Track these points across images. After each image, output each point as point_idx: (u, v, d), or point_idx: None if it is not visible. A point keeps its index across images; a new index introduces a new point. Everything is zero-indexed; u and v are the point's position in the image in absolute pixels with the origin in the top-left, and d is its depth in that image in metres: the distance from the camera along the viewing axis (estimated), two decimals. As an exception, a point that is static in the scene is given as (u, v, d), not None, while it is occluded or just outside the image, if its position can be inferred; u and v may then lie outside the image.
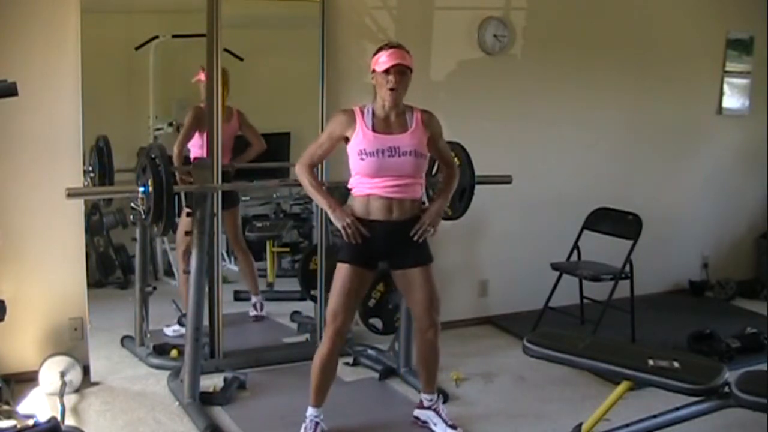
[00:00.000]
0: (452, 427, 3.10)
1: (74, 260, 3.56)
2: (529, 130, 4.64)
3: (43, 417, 2.74)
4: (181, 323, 3.98)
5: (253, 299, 4.35)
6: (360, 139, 2.83)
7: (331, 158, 3.16)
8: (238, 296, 4.40)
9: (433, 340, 3.05)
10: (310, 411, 3.00)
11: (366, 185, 2.86)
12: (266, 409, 3.34)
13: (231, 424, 3.17)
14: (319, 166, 3.88)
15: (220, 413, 3.26)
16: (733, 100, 5.42)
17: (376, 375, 3.72)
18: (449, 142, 3.23)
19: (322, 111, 3.96)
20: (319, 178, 3.21)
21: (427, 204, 3.11)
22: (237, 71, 3.93)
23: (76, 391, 3.45)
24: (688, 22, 5.12)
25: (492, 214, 4.50)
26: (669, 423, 2.49)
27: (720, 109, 5.40)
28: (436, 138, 2.97)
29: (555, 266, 4.40)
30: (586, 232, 4.50)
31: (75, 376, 3.45)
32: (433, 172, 3.61)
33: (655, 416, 2.51)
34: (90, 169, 3.61)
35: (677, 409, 2.47)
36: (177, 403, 3.33)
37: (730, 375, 2.41)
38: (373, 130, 2.84)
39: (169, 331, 4.07)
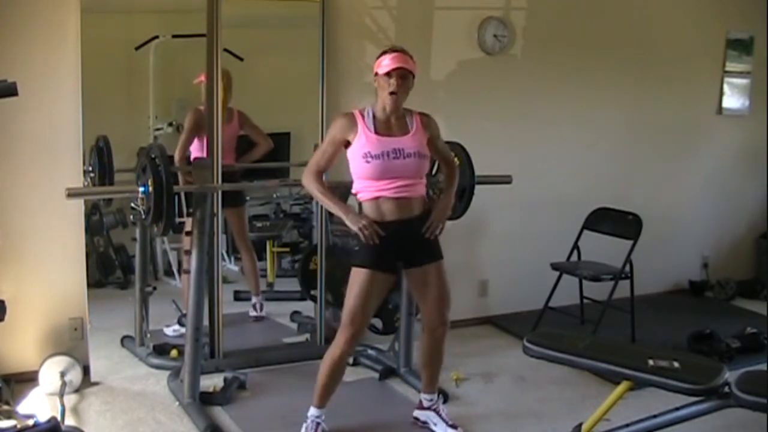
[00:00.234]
0: (452, 426, 3.11)
1: (74, 260, 3.56)
2: (529, 130, 4.64)
3: (43, 417, 2.74)
4: (181, 323, 3.98)
5: (254, 299, 4.35)
6: (363, 142, 2.83)
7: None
8: (238, 296, 4.40)
9: (441, 337, 3.06)
10: (313, 411, 3.00)
11: (372, 188, 2.86)
12: (266, 409, 3.34)
13: (231, 424, 3.17)
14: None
15: (220, 413, 3.26)
16: (733, 100, 5.42)
17: (376, 375, 3.72)
18: (449, 142, 3.24)
19: (322, 111, 3.96)
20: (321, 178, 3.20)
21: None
22: (237, 71, 3.93)
23: (76, 391, 3.45)
24: (688, 22, 5.12)
25: (492, 214, 4.50)
26: (669, 423, 2.48)
27: (720, 109, 5.40)
28: (434, 139, 2.99)
29: (555, 266, 4.40)
30: (586, 232, 4.50)
31: (75, 376, 3.45)
32: (433, 172, 3.61)
33: (655, 416, 2.51)
34: (90, 169, 3.61)
35: (677, 409, 2.47)
36: (177, 403, 3.33)
37: (730, 375, 2.41)
38: (376, 132, 2.85)
39: (169, 331, 4.07)
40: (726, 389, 2.36)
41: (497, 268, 4.69)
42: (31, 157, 3.43)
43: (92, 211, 4.02)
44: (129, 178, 3.40)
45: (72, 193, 3.03)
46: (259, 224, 4.51)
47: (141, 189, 3.05)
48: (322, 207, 3.84)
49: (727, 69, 5.35)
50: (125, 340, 3.94)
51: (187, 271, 3.34)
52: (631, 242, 4.24)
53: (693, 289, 5.44)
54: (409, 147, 2.85)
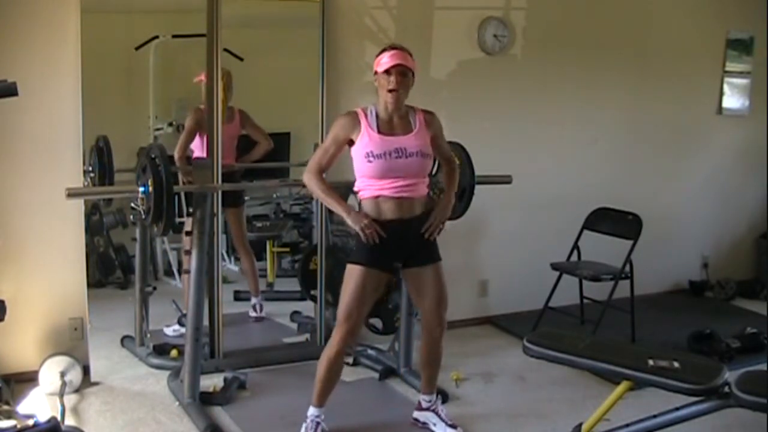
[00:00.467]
0: (452, 426, 3.11)
1: (74, 260, 3.55)
2: (529, 130, 4.64)
3: (43, 417, 2.74)
4: (181, 323, 3.98)
5: (253, 300, 4.35)
6: (366, 142, 2.83)
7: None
8: (238, 296, 4.40)
9: (438, 338, 3.06)
10: (312, 411, 3.00)
11: (374, 187, 2.87)
12: (266, 409, 3.34)
13: (231, 424, 3.17)
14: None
15: (220, 413, 3.26)
16: (733, 100, 5.42)
17: (376, 375, 3.72)
18: (449, 142, 3.23)
19: (322, 111, 3.96)
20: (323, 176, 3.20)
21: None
22: (237, 71, 3.93)
23: (76, 391, 3.45)
24: (688, 22, 5.12)
25: (492, 214, 4.50)
26: (669, 423, 2.48)
27: (720, 109, 5.40)
28: (437, 137, 2.99)
29: (555, 266, 4.40)
30: (586, 232, 4.50)
31: (75, 376, 3.45)
32: (433, 171, 3.61)
33: (655, 416, 2.50)
34: (90, 169, 3.61)
35: (677, 409, 2.47)
36: (177, 403, 3.33)
37: (730, 375, 2.41)
38: (379, 131, 2.85)
39: (169, 331, 4.07)
40: (726, 389, 2.36)
41: (497, 268, 4.69)
42: (31, 157, 3.43)
43: (92, 211, 4.02)
44: (129, 178, 3.40)
45: (72, 193, 3.03)
46: (259, 224, 4.51)
47: (141, 189, 3.05)
48: (322, 207, 3.84)
49: (727, 69, 5.35)
50: (125, 340, 3.94)
51: (187, 271, 3.34)
52: (631, 242, 4.24)
53: (693, 289, 5.44)
54: (412, 146, 2.84)
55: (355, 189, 2.95)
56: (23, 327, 3.49)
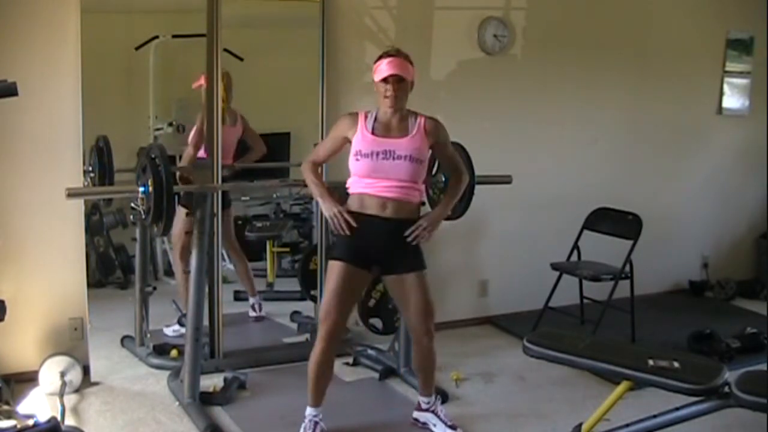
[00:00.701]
0: (452, 427, 3.11)
1: (74, 260, 3.55)
2: (529, 130, 4.64)
3: (43, 417, 2.74)
4: (181, 323, 3.98)
5: (251, 300, 4.35)
6: (358, 140, 2.86)
7: (332, 160, 3.16)
8: (238, 296, 4.40)
9: (428, 346, 3.04)
10: (309, 411, 3.00)
11: (360, 185, 2.88)
12: (266, 409, 3.34)
13: (231, 424, 3.17)
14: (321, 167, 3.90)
15: (220, 413, 3.26)
16: (733, 100, 5.42)
17: (376, 375, 3.72)
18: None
19: (322, 111, 3.96)
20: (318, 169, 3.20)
21: (428, 206, 3.11)
22: (237, 71, 3.93)
23: (76, 391, 3.45)
24: (688, 22, 5.12)
25: (492, 214, 4.50)
26: (669, 423, 2.48)
27: (720, 109, 5.40)
28: (442, 145, 2.99)
29: (555, 266, 4.40)
30: (586, 232, 4.50)
31: (75, 376, 3.45)
32: (434, 171, 3.62)
33: (655, 416, 2.50)
34: (90, 169, 3.61)
35: (677, 409, 2.47)
36: (177, 403, 3.33)
37: (730, 375, 2.41)
38: (373, 133, 2.86)
39: (169, 331, 4.07)
40: (726, 389, 2.36)
41: (497, 268, 4.69)
42: (31, 157, 3.43)
43: (92, 211, 4.03)
44: (129, 178, 3.40)
45: (72, 193, 3.03)
46: (259, 224, 4.51)
47: (141, 189, 3.05)
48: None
49: (727, 69, 5.35)
50: (125, 340, 3.94)
51: (187, 271, 3.34)
52: (631, 242, 4.24)
53: (693, 289, 5.44)
54: (402, 149, 2.83)
55: (347, 185, 2.97)
56: (23, 327, 3.48)
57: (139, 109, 4.08)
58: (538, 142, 4.68)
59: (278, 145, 4.29)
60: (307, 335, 4.17)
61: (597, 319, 4.18)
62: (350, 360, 3.87)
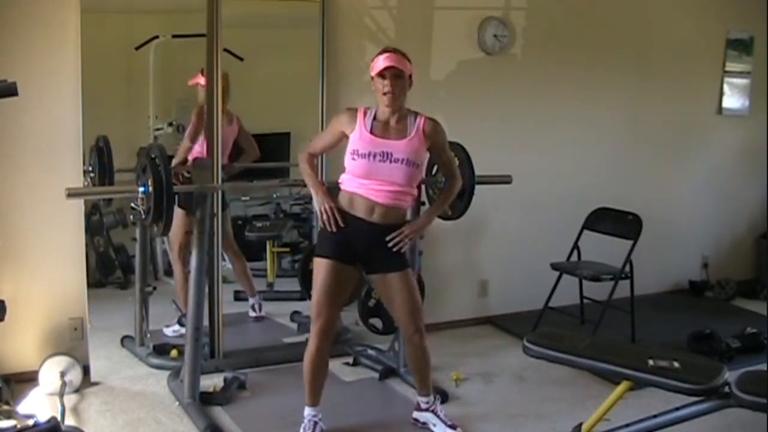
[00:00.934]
0: (452, 427, 3.11)
1: (74, 260, 3.56)
2: (530, 130, 4.64)
3: (43, 417, 2.74)
4: (181, 323, 3.98)
5: (251, 300, 4.35)
6: (355, 139, 2.85)
7: (332, 158, 3.16)
8: (238, 296, 4.40)
9: (419, 345, 3.04)
10: (307, 411, 3.01)
11: (353, 184, 2.88)
12: (266, 409, 3.34)
13: (231, 424, 3.17)
14: (320, 167, 3.90)
15: (220, 413, 3.26)
16: (733, 100, 5.42)
17: (376, 375, 3.72)
18: (449, 142, 3.22)
19: (322, 111, 3.97)
20: (319, 178, 3.22)
21: (427, 204, 3.12)
22: (237, 71, 3.93)
23: (76, 391, 3.45)
24: (688, 22, 5.12)
25: (492, 214, 4.50)
26: (669, 423, 2.49)
27: (720, 109, 5.40)
28: (438, 148, 2.98)
29: (555, 266, 4.39)
30: (586, 232, 4.50)
31: (75, 376, 3.45)
32: (433, 172, 3.62)
33: (655, 416, 2.51)
34: (90, 169, 3.61)
35: (677, 409, 2.47)
36: (177, 403, 3.33)
37: (730, 375, 2.41)
38: (371, 132, 2.85)
39: (169, 331, 4.07)
40: (726, 389, 2.36)
41: (497, 268, 4.69)
42: (31, 157, 3.43)
43: (92, 211, 4.02)
44: (129, 178, 3.40)
45: (72, 193, 3.03)
46: (259, 224, 4.51)
47: (141, 189, 3.05)
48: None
49: (727, 69, 5.35)
50: (125, 340, 3.94)
51: (188, 271, 3.34)
52: (631, 242, 4.24)
53: (693, 289, 5.44)
54: (399, 152, 2.83)
55: (339, 180, 2.97)
56: (23, 327, 3.49)
57: (139, 109, 4.08)
58: (538, 142, 4.68)
59: (278, 145, 4.29)
60: (307, 335, 4.13)
61: (597, 319, 4.18)
62: (350, 360, 3.87)
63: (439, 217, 3.55)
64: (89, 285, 3.61)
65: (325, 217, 2.88)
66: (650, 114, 5.07)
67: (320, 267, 2.92)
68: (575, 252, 4.49)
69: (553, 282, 4.42)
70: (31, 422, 2.67)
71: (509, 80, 4.55)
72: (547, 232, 4.69)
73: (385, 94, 2.82)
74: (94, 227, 4.05)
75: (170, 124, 4.07)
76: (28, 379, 3.44)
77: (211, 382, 3.49)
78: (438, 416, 3.15)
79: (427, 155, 2.99)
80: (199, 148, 3.85)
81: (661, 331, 4.48)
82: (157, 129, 4.08)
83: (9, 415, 2.83)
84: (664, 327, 4.58)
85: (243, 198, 4.44)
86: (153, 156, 3.01)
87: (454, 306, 4.53)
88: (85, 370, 3.53)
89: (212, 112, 3.67)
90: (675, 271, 5.44)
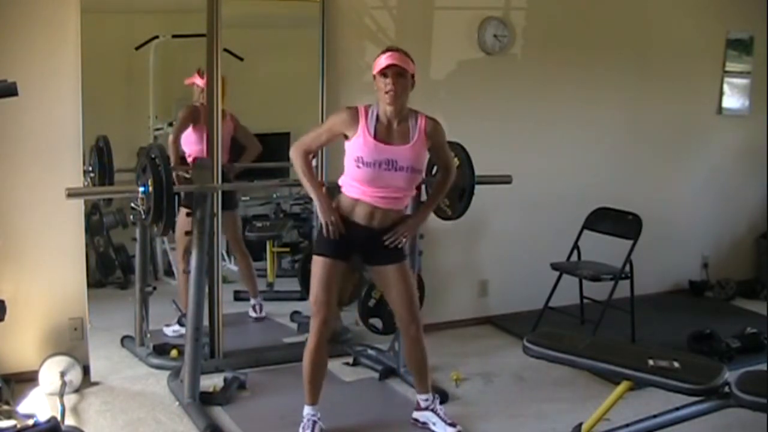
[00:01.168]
0: (451, 425, 3.11)
1: (74, 260, 3.56)
2: (530, 130, 4.64)
3: (43, 417, 2.74)
4: (181, 323, 3.98)
5: (252, 301, 4.35)
6: (360, 145, 2.82)
7: (332, 158, 3.16)
8: (238, 296, 4.40)
9: (416, 337, 3.06)
10: (307, 410, 3.01)
11: (356, 189, 2.88)
12: (266, 409, 3.34)
13: (231, 424, 3.17)
14: (320, 168, 3.90)
15: (220, 413, 3.26)
16: (733, 100, 5.42)
17: (376, 375, 3.72)
18: (449, 142, 3.23)
19: (322, 111, 3.97)
20: (319, 178, 3.22)
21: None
22: (237, 71, 3.94)
23: (76, 391, 3.45)
24: (688, 22, 5.12)
25: (492, 214, 4.50)
26: (669, 423, 2.48)
27: (720, 109, 5.40)
28: (438, 148, 2.99)
29: (555, 266, 4.39)
30: (586, 232, 4.49)
31: (75, 376, 3.45)
32: (433, 172, 3.62)
33: (655, 416, 2.51)
34: (90, 169, 3.61)
35: (677, 409, 2.47)
36: (177, 403, 3.33)
37: (730, 375, 2.41)
38: (375, 137, 2.83)
39: (169, 331, 4.07)
40: (726, 389, 2.36)
41: (497, 268, 4.69)
42: (31, 157, 3.43)
43: (92, 211, 4.02)
44: (129, 178, 3.40)
45: (72, 193, 3.03)
46: (259, 224, 4.51)
47: (141, 189, 3.05)
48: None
49: (727, 69, 5.35)
50: (125, 340, 3.94)
51: (187, 271, 3.34)
52: (631, 242, 4.24)
53: (693, 289, 5.44)
54: (404, 160, 2.83)
55: (339, 182, 2.96)
56: (23, 327, 3.49)
57: (139, 109, 4.08)
58: (538, 142, 4.68)
59: (278, 145, 4.28)
60: (307, 335, 4.15)
61: (597, 319, 4.18)
62: (350, 360, 3.87)
63: (440, 217, 3.57)
64: (89, 285, 3.61)
65: (332, 229, 2.89)
66: (650, 114, 5.07)
67: (318, 264, 2.95)
68: (575, 252, 4.49)
69: (553, 282, 4.42)
70: (31, 422, 2.67)
71: (509, 80, 4.55)
72: (547, 232, 4.69)
73: (387, 92, 2.80)
74: (94, 227, 4.05)
75: (170, 124, 4.07)
76: (28, 379, 3.44)
77: (211, 382, 3.49)
78: (438, 414, 3.15)
79: (428, 155, 2.99)
80: (198, 148, 3.85)
81: (661, 331, 4.48)
82: (157, 129, 4.08)
83: (9, 415, 2.83)
84: (664, 327, 4.58)
85: (243, 198, 4.43)
86: (153, 156, 3.01)
87: (454, 306, 4.53)
88: (85, 370, 3.53)
89: (212, 112, 3.67)
90: (675, 271, 5.44)
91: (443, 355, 3.87)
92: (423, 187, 3.53)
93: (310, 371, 2.97)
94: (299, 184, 3.01)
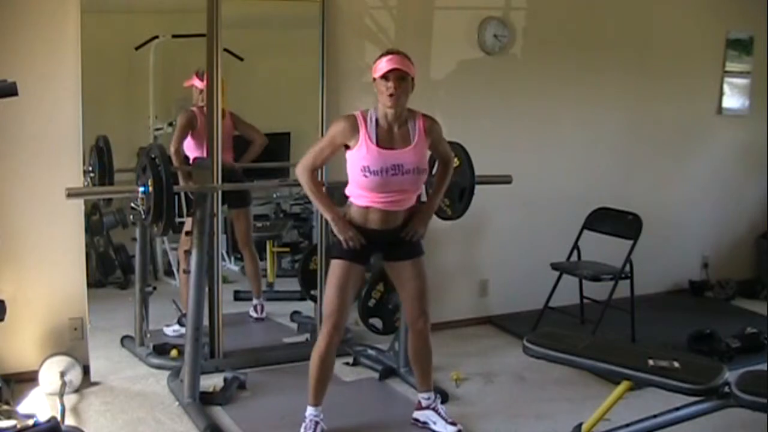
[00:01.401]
0: (452, 424, 3.11)
1: (74, 260, 3.55)
2: (530, 130, 4.64)
3: (43, 417, 2.74)
4: (181, 323, 3.98)
5: (254, 301, 4.35)
6: (363, 154, 2.81)
7: (332, 160, 3.15)
8: (238, 296, 4.40)
9: (423, 331, 3.07)
10: (310, 410, 3.01)
11: (366, 198, 2.89)
12: (266, 409, 3.34)
13: (231, 424, 3.17)
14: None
15: (220, 413, 3.26)
16: (733, 100, 5.42)
17: (376, 375, 3.72)
18: (449, 142, 3.23)
19: (322, 111, 3.96)
20: (319, 179, 3.21)
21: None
22: (237, 71, 3.94)
23: (76, 391, 3.45)
24: (688, 22, 5.12)
25: (492, 214, 4.50)
26: (669, 423, 2.49)
27: (720, 109, 5.40)
28: (436, 143, 3.00)
29: (555, 266, 4.39)
30: (586, 232, 4.49)
31: (75, 376, 3.45)
32: (433, 172, 3.61)
33: (655, 416, 2.51)
34: (90, 169, 3.61)
35: (677, 409, 2.48)
36: (177, 403, 3.33)
37: (730, 375, 2.41)
38: (377, 144, 2.82)
39: (169, 331, 4.07)
40: (726, 389, 2.36)
41: (497, 268, 4.69)
42: (31, 157, 3.43)
43: (92, 211, 4.02)
44: (129, 178, 3.41)
45: (72, 193, 3.03)
46: (259, 224, 4.51)
47: (141, 189, 3.05)
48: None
49: (727, 69, 5.35)
50: (125, 340, 3.94)
51: (187, 271, 3.34)
52: (631, 242, 4.24)
53: (693, 289, 5.44)
54: (409, 162, 2.84)
55: (347, 193, 2.96)
56: (23, 327, 3.48)
57: (139, 109, 4.08)
58: (538, 142, 4.68)
59: (278, 145, 4.29)
60: (307, 335, 4.17)
61: (597, 319, 4.18)
62: (350, 360, 3.87)
63: (440, 217, 3.57)
64: (89, 285, 3.61)
65: (351, 244, 2.89)
66: (650, 114, 5.07)
67: (335, 267, 2.93)
68: (575, 252, 4.49)
69: (553, 282, 4.42)
70: (31, 422, 2.67)
71: (509, 80, 4.55)
72: (547, 232, 4.70)
73: (389, 95, 2.79)
74: (94, 227, 4.05)
75: (170, 124, 4.07)
76: (28, 379, 3.44)
77: (211, 382, 3.49)
78: (438, 413, 3.15)
79: (428, 153, 3.01)
80: (199, 153, 3.86)
81: (661, 331, 4.48)
82: (157, 129, 4.09)
83: (9, 415, 2.83)
84: (664, 327, 4.57)
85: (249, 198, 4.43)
86: (153, 156, 3.01)
87: (454, 306, 4.53)
88: (85, 370, 3.53)
89: (212, 112, 3.67)
90: (675, 271, 5.44)
91: (443, 355, 3.87)
92: (423, 187, 3.53)
93: (317, 373, 2.96)
94: (299, 184, 3.00)
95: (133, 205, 3.26)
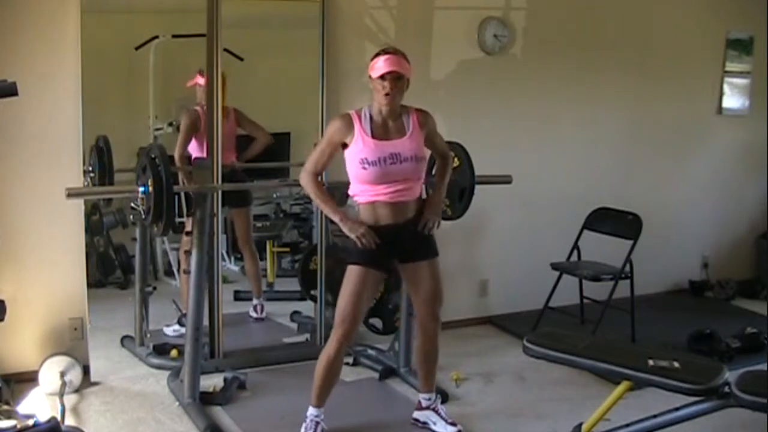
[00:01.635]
0: (452, 424, 3.11)
1: (74, 260, 3.55)
2: (530, 130, 4.64)
3: (43, 417, 2.74)
4: (181, 323, 3.98)
5: (255, 301, 4.35)
6: (360, 147, 2.83)
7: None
8: (238, 296, 4.40)
9: (433, 334, 3.07)
10: (311, 411, 3.00)
11: (370, 192, 2.88)
12: (266, 409, 3.34)
13: (231, 424, 3.17)
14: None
15: (220, 413, 3.26)
16: (733, 100, 5.42)
17: (376, 375, 3.72)
18: (449, 143, 3.23)
19: (322, 111, 3.96)
20: (318, 178, 3.21)
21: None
22: (237, 71, 3.93)
23: (76, 391, 3.45)
24: (688, 22, 5.12)
25: (492, 214, 4.50)
26: (669, 423, 2.49)
27: (720, 109, 5.40)
28: (431, 135, 3.00)
29: (555, 266, 4.40)
30: (586, 232, 4.50)
31: (75, 376, 3.45)
32: (433, 171, 3.61)
33: (655, 416, 2.51)
34: (90, 169, 3.61)
35: (677, 409, 2.48)
36: (177, 403, 3.33)
37: (730, 375, 2.41)
38: (373, 136, 2.84)
39: (169, 331, 4.07)
40: (726, 389, 2.36)
41: (497, 268, 4.69)
42: (31, 157, 3.43)
43: (92, 211, 4.02)
44: (129, 178, 3.40)
45: (72, 193, 3.03)
46: (259, 224, 4.51)
47: (141, 189, 3.05)
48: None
49: (727, 69, 5.35)
50: (125, 340, 3.94)
51: (187, 271, 3.34)
52: (631, 242, 4.24)
53: (693, 289, 5.44)
54: (406, 151, 2.85)
55: (351, 193, 2.96)
56: (23, 327, 3.49)
57: (139, 109, 4.08)
58: (538, 142, 4.68)
59: (278, 145, 4.29)
60: (307, 335, 4.17)
61: (597, 319, 4.18)
62: (350, 360, 3.87)
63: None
64: (89, 285, 3.61)
65: (365, 241, 2.85)
66: (650, 114, 5.07)
67: (353, 274, 2.90)
68: (575, 252, 4.49)
69: (553, 282, 4.42)
70: (31, 422, 2.67)
71: (509, 80, 4.55)
72: (547, 232, 4.70)
73: (385, 95, 2.80)
74: (94, 227, 4.05)
75: (170, 124, 4.07)
76: (28, 379, 3.44)
77: (211, 382, 3.49)
78: (438, 413, 3.15)
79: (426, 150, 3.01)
80: (202, 153, 3.85)
81: (661, 331, 4.48)
82: (157, 129, 4.08)
83: (9, 415, 2.83)
84: (664, 327, 4.57)
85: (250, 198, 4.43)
86: (153, 156, 3.01)
87: (454, 306, 4.49)
88: (85, 370, 3.53)
89: (212, 111, 3.67)
90: (675, 271, 5.44)
91: (443, 354, 3.82)
92: (423, 187, 3.53)
93: (324, 376, 2.95)
94: (299, 184, 3.00)
95: (133, 205, 3.25)
